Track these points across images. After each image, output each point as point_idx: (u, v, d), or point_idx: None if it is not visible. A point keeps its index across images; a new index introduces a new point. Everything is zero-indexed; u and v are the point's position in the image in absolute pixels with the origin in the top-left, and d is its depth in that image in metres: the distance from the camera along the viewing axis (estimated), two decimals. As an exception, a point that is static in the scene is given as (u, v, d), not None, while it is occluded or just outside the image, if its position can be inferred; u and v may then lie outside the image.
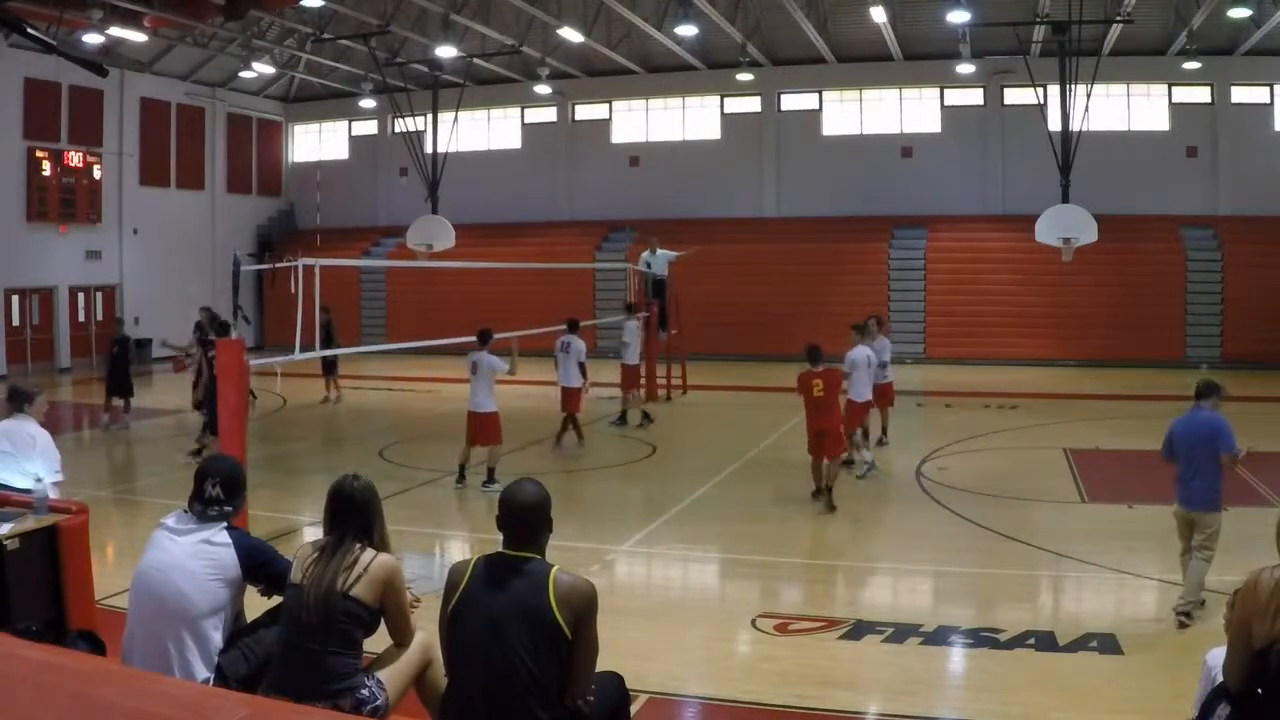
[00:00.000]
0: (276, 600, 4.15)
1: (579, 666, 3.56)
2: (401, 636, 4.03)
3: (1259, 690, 3.16)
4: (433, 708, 4.08)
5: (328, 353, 14.49)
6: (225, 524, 4.12)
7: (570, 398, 13.54)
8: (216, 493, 4.14)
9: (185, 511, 4.17)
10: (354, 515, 3.94)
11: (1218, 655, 3.45)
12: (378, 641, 4.03)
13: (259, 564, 4.13)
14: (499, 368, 11.22)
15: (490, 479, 11.05)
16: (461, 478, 11.23)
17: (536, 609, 3.50)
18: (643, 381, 18.59)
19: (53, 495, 5.80)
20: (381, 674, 3.92)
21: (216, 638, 4.01)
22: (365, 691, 3.81)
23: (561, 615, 3.50)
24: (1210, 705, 3.30)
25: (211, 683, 3.95)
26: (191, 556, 4.00)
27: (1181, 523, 6.93)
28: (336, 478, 4.10)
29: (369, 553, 3.89)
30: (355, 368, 22.32)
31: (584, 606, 3.55)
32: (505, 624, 3.49)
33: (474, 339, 11.42)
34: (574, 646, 3.53)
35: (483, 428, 11.14)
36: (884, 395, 12.80)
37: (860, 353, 11.60)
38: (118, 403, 15.58)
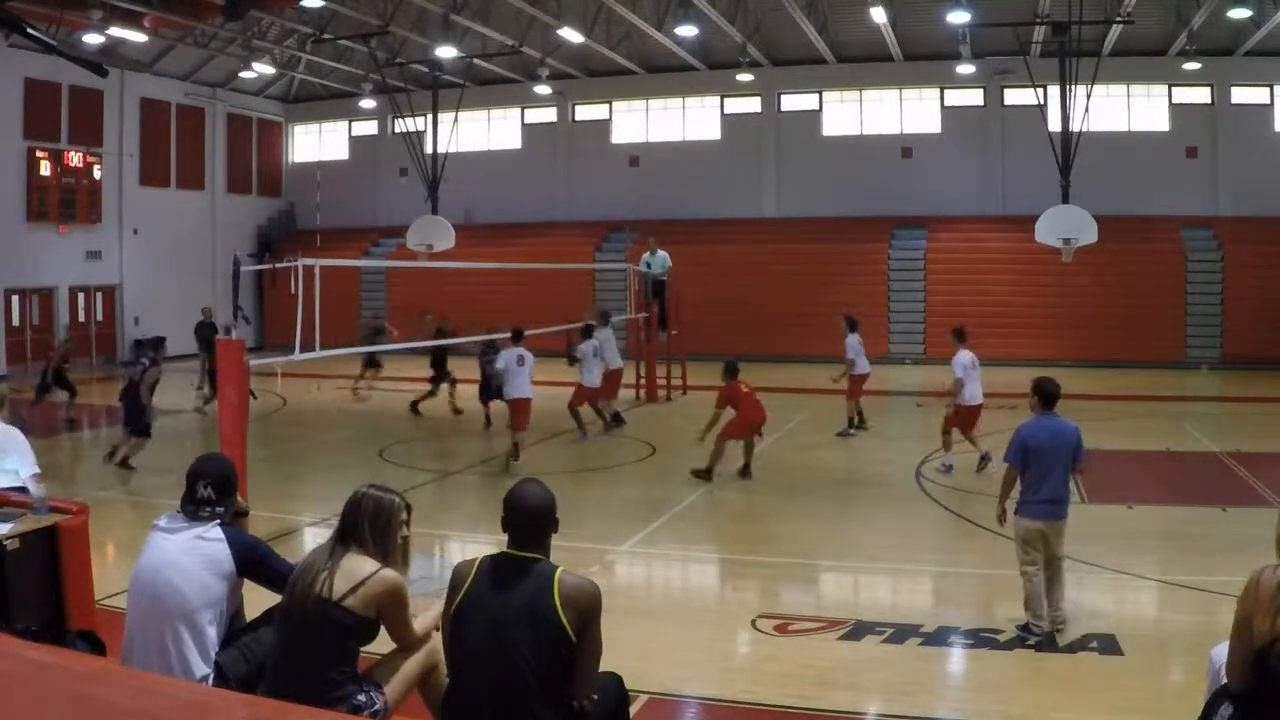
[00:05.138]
0: (276, 599, 4.13)
1: (583, 667, 3.56)
2: (406, 646, 3.99)
3: (1261, 690, 3.16)
4: (436, 709, 4.07)
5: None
6: (218, 521, 4.10)
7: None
8: (208, 494, 4.11)
9: (178, 512, 4.15)
10: (355, 525, 3.89)
11: (1221, 651, 3.44)
12: (378, 643, 4.01)
13: (253, 561, 4.08)
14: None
15: (516, 456, 12.55)
16: (517, 456, 12.41)
17: (541, 610, 3.50)
18: (643, 382, 18.64)
19: (33, 489, 5.86)
20: (382, 677, 3.91)
21: (213, 634, 4.00)
22: (362, 698, 3.78)
23: (566, 617, 3.50)
24: (1213, 705, 3.30)
25: (211, 680, 3.94)
26: (184, 553, 3.98)
27: (1039, 538, 6.53)
28: (359, 482, 4.07)
29: (369, 565, 3.81)
30: (356, 368, 22.29)
31: (589, 608, 3.55)
32: (510, 625, 3.49)
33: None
34: (578, 648, 3.52)
35: (527, 411, 12.61)
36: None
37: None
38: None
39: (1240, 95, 25.08)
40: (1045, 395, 6.71)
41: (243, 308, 12.41)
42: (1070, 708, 5.49)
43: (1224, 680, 3.39)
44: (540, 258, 26.08)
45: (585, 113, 30.08)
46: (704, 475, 11.49)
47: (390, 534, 3.92)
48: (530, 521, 3.66)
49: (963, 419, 12.01)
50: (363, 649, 3.89)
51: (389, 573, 3.84)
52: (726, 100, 28.69)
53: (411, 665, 3.98)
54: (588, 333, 14.55)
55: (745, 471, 11.73)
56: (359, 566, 3.80)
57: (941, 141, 27.01)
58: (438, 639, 4.03)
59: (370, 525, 3.87)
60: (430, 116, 23.63)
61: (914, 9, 23.95)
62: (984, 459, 11.61)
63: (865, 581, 8.46)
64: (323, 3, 21.28)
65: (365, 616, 3.77)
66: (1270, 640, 3.10)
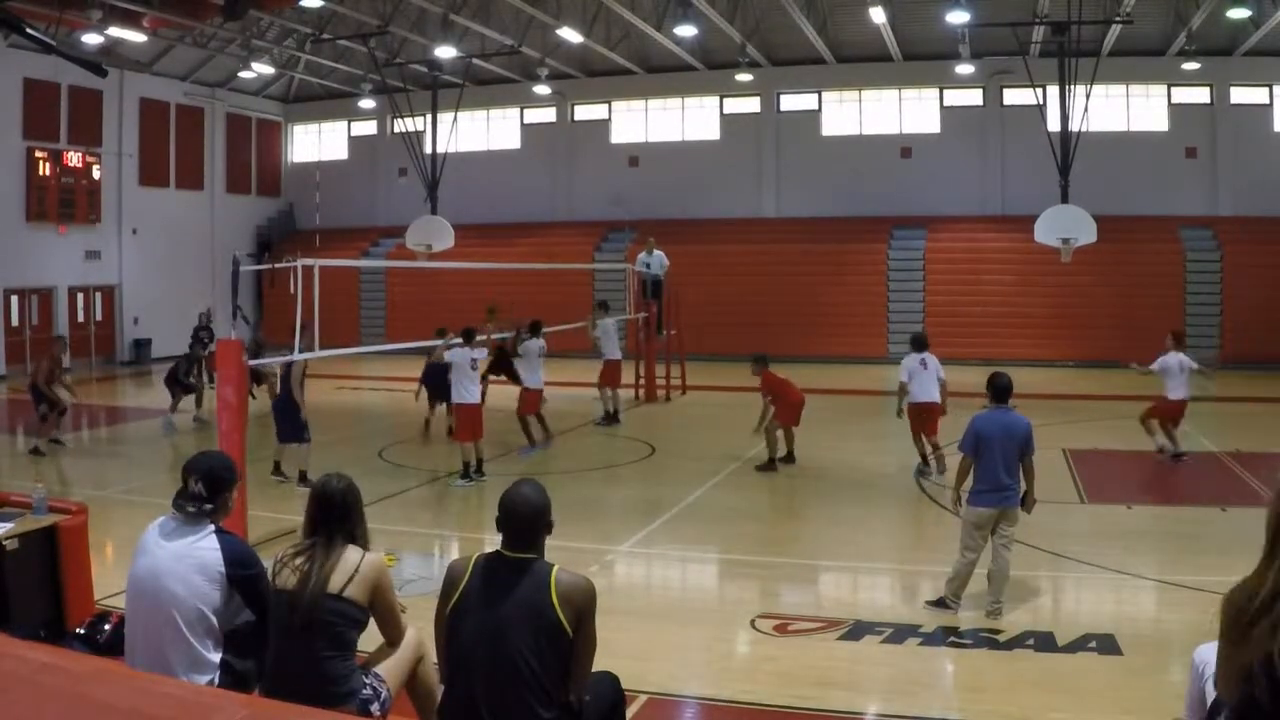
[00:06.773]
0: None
1: (578, 664, 3.58)
2: (392, 634, 4.03)
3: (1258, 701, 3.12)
4: (422, 705, 4.07)
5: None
6: (214, 527, 4.05)
7: (528, 399, 13.63)
8: (199, 489, 4.05)
9: (173, 511, 4.09)
10: (341, 516, 3.94)
11: (1204, 652, 3.41)
12: (367, 640, 4.02)
13: (245, 577, 4.01)
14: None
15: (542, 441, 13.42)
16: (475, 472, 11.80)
17: (539, 608, 3.51)
18: (642, 382, 18.65)
19: None
20: (379, 669, 3.94)
21: (214, 638, 3.99)
22: (368, 690, 3.81)
23: (564, 614, 3.51)
24: (1216, 709, 3.27)
25: (216, 683, 3.93)
26: (179, 559, 3.94)
27: (989, 522, 6.92)
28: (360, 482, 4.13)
29: (357, 553, 3.90)
30: (356, 368, 22.32)
31: (585, 604, 3.57)
32: (507, 624, 3.50)
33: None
34: (574, 644, 3.54)
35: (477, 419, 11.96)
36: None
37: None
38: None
39: (1239, 95, 25.09)
40: (995, 389, 7.11)
41: (242, 308, 12.42)
42: (1070, 708, 5.49)
43: (1208, 679, 3.36)
44: (539, 258, 26.06)
45: (584, 113, 30.08)
46: (769, 467, 12.01)
47: (363, 515, 4.04)
48: (525, 522, 3.67)
49: (912, 417, 11.80)
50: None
51: (374, 555, 3.97)
52: (726, 100, 28.69)
53: (401, 658, 4.01)
54: (535, 330, 13.93)
55: (790, 458, 12.28)
56: (348, 555, 3.87)
57: (941, 141, 27.01)
58: (421, 632, 4.05)
59: (353, 512, 3.99)
60: (429, 116, 23.63)
61: (913, 9, 23.95)
62: (925, 464, 11.73)
63: (865, 581, 8.46)
64: (322, 3, 21.29)
65: (364, 605, 3.84)
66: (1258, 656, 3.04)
